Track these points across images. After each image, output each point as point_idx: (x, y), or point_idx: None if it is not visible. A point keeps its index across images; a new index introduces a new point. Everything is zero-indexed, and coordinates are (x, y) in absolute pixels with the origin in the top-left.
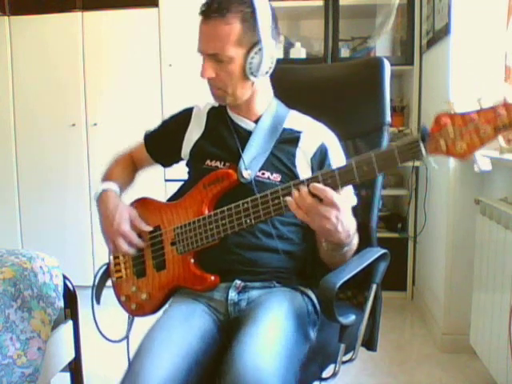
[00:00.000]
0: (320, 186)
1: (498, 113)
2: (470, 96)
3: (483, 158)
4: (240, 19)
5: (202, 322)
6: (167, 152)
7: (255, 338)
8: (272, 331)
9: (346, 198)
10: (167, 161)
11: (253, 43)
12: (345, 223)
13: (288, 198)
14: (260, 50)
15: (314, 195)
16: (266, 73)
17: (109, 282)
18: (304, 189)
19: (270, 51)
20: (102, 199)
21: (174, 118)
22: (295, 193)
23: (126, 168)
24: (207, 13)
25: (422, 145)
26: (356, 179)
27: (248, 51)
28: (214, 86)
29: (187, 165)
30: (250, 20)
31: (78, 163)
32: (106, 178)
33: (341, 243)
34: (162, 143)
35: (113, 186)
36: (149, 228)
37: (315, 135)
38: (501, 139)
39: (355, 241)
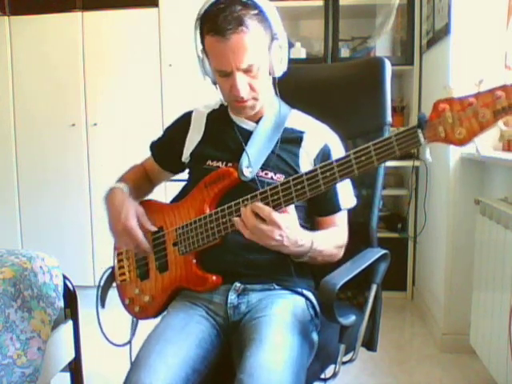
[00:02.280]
0: (260, 205)
1: (497, 95)
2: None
3: (483, 143)
4: (257, 22)
5: (199, 329)
6: (173, 158)
7: (263, 357)
8: (280, 350)
9: (289, 213)
10: (175, 167)
11: (271, 41)
12: (290, 237)
13: (235, 219)
14: (280, 46)
15: (257, 214)
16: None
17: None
18: (248, 209)
19: (286, 44)
20: (109, 197)
21: (174, 123)
22: (242, 212)
23: (138, 175)
24: (223, 31)
25: (420, 132)
26: (355, 171)
27: (269, 50)
28: (247, 99)
29: (188, 167)
30: (263, 20)
31: (78, 163)
32: (118, 180)
33: (295, 254)
34: (166, 150)
35: (121, 185)
36: (153, 228)
37: (318, 136)
38: (500, 123)
39: (317, 244)
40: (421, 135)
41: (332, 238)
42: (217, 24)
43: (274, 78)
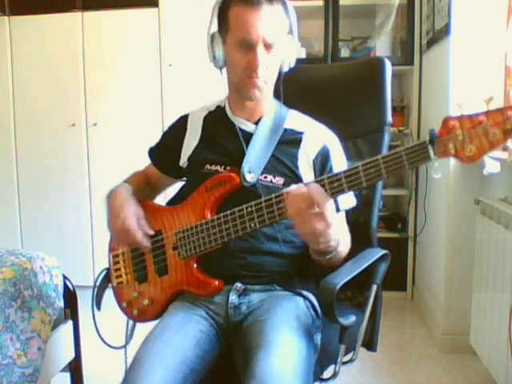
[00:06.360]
0: (319, 189)
1: (507, 115)
2: (470, 95)
3: (491, 161)
4: (282, 8)
5: (198, 329)
6: (172, 163)
7: (273, 363)
8: (289, 356)
9: (334, 209)
10: (175, 172)
11: (288, 33)
12: (330, 236)
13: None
14: (294, 41)
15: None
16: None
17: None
18: (303, 189)
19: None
20: (111, 196)
21: (171, 128)
22: (301, 190)
23: (140, 180)
24: (255, 0)
25: (430, 148)
26: (363, 183)
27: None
28: (261, 77)
29: (186, 171)
30: (286, 10)
31: (77, 163)
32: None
33: (321, 252)
34: (165, 155)
35: (125, 185)
36: (151, 232)
37: (317, 136)
38: (510, 142)
39: (341, 247)
40: (431, 151)
41: (346, 243)
42: None
43: (279, 75)
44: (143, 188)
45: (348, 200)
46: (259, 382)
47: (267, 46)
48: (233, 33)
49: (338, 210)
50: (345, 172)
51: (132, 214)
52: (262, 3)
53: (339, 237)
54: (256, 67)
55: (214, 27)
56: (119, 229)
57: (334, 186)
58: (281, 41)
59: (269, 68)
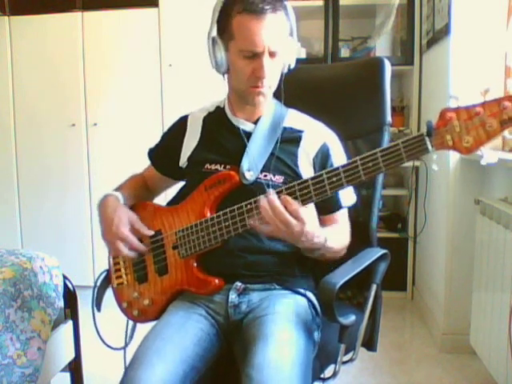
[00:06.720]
0: (289, 199)
1: (503, 105)
2: (472, 95)
3: (489, 151)
4: (284, 13)
5: (198, 328)
6: (172, 164)
7: (271, 355)
8: (287, 348)
9: (311, 210)
10: (174, 173)
11: (289, 35)
12: (309, 233)
13: (262, 203)
14: (294, 42)
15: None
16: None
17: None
18: (276, 199)
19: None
20: (102, 204)
21: (171, 129)
22: (269, 201)
23: (136, 184)
24: (260, 9)
25: (427, 140)
26: (361, 177)
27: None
28: (264, 85)
29: (186, 171)
30: (287, 13)
31: (77, 163)
32: (115, 189)
33: (307, 249)
34: (165, 156)
35: (115, 193)
36: (150, 232)
37: (317, 135)
38: (506, 132)
39: (331, 243)
40: (429, 143)
41: (341, 236)
42: (254, 3)
43: (280, 76)
44: (140, 191)
45: (349, 196)
46: (257, 373)
47: (272, 54)
48: (237, 42)
49: (340, 207)
50: (343, 166)
51: (124, 222)
52: (266, 12)
53: (327, 235)
54: (262, 78)
55: (215, 31)
56: (113, 238)
57: (332, 180)
58: (284, 46)
59: (273, 74)
